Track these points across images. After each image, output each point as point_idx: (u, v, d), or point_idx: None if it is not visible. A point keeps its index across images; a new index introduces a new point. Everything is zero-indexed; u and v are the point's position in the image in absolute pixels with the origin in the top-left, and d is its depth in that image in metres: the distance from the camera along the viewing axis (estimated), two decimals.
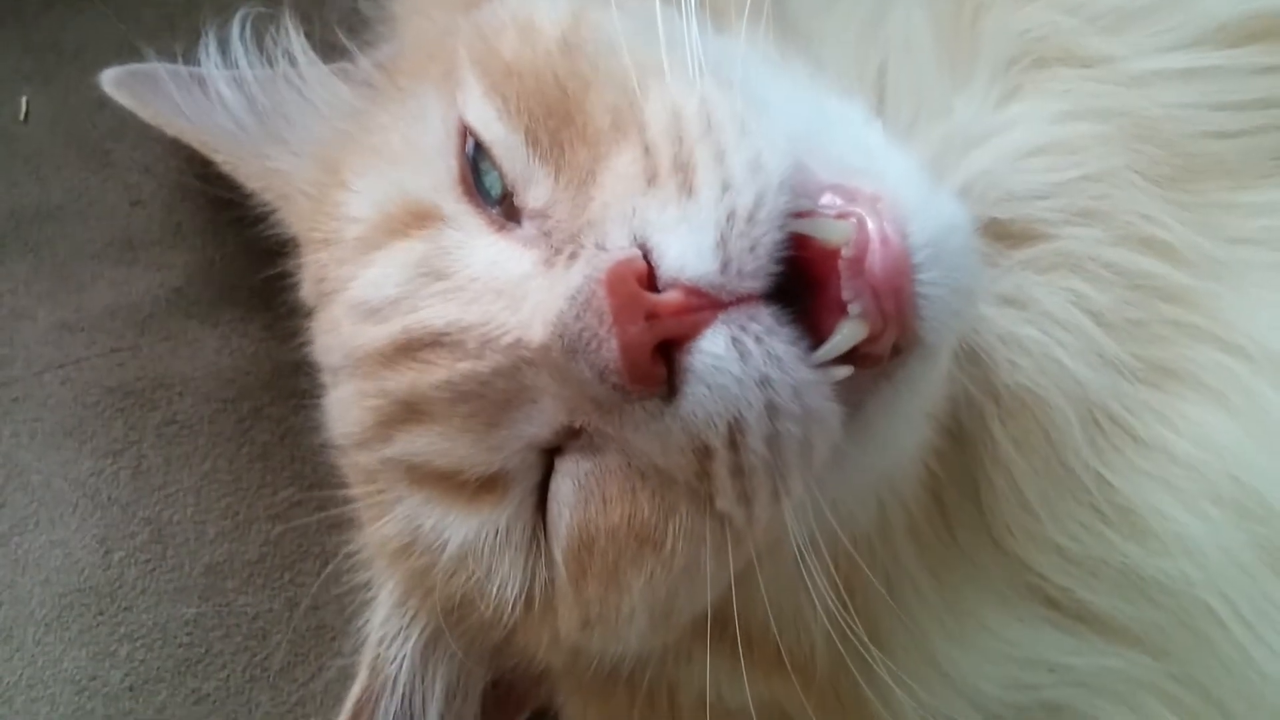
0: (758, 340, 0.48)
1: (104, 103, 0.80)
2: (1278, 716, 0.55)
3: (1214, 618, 0.56)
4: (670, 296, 0.47)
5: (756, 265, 0.48)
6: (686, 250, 0.48)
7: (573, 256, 0.52)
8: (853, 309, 0.49)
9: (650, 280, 0.48)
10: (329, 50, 0.77)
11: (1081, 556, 0.58)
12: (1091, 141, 0.58)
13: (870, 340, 0.49)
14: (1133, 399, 0.57)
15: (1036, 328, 0.58)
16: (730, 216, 0.48)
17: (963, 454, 0.61)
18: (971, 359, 0.58)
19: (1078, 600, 0.59)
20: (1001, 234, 0.59)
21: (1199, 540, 0.55)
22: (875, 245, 0.48)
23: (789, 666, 0.60)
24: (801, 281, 0.50)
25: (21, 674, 0.81)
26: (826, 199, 0.50)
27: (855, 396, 0.51)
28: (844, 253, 0.49)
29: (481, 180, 0.58)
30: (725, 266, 0.48)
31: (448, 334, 0.55)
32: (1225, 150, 0.57)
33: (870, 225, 0.49)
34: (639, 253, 0.48)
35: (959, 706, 0.62)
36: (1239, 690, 0.56)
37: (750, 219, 0.48)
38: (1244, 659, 0.56)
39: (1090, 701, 0.61)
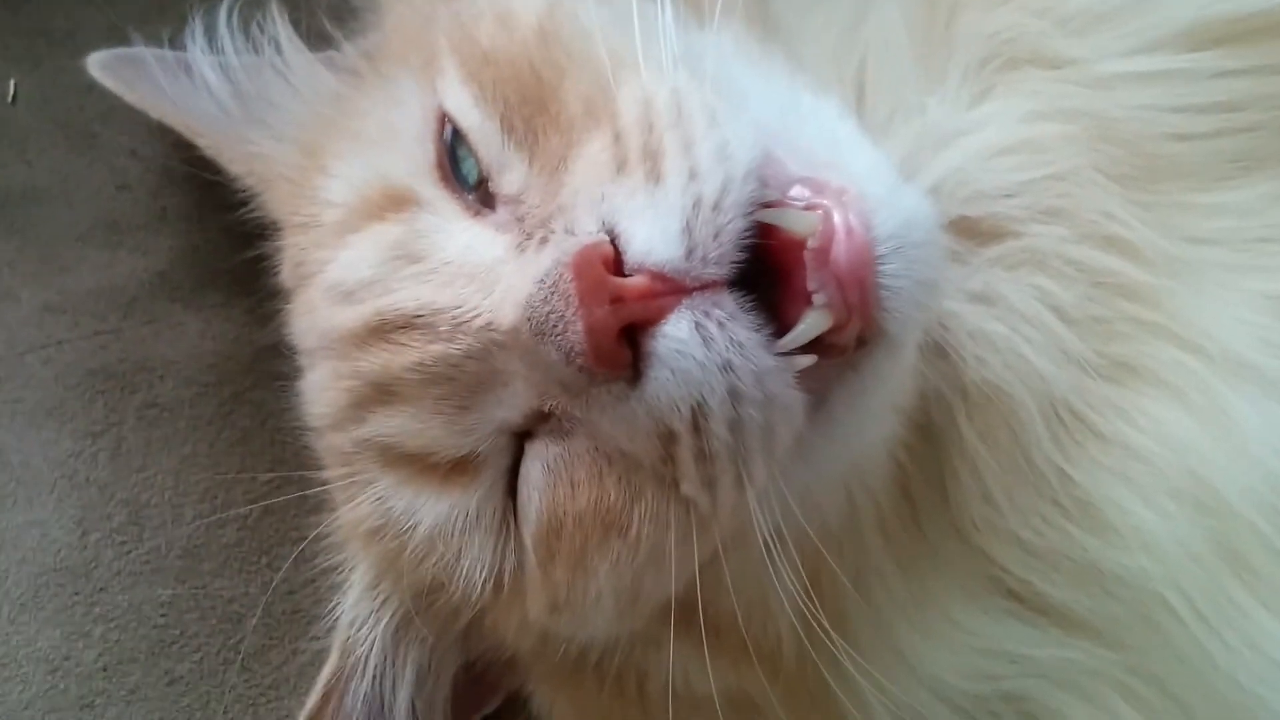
0: (721, 326, 0.48)
1: (91, 86, 0.81)
2: (1230, 709, 0.56)
3: (1170, 612, 0.57)
4: (635, 281, 0.48)
5: (720, 252, 0.49)
6: (652, 236, 0.49)
7: (543, 241, 0.53)
8: (817, 299, 0.49)
9: (617, 265, 0.49)
10: (317, 39, 0.78)
11: (1043, 550, 0.59)
12: (1058, 141, 0.59)
13: (834, 330, 0.50)
14: (1095, 395, 0.58)
15: (1004, 324, 0.58)
16: (696, 204, 0.49)
17: (931, 448, 0.61)
18: (941, 355, 0.59)
19: (1038, 593, 0.60)
20: (971, 231, 0.59)
21: (1157, 535, 0.56)
22: (840, 237, 0.49)
23: (755, 656, 0.61)
24: (770, 271, 0.51)
25: None
26: (795, 190, 0.51)
27: (820, 387, 0.52)
28: (809, 244, 0.49)
29: (459, 166, 0.59)
30: (690, 253, 0.48)
31: (420, 316, 0.56)
32: (1185, 152, 0.57)
33: (836, 217, 0.50)
34: (606, 238, 0.49)
35: (922, 696, 0.63)
36: (1193, 683, 0.57)
37: (715, 206, 0.49)
38: (1199, 652, 0.56)
39: (1050, 692, 0.61)
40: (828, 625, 0.57)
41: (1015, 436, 0.59)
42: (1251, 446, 0.55)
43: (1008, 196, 0.59)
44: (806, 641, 0.58)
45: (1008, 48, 0.60)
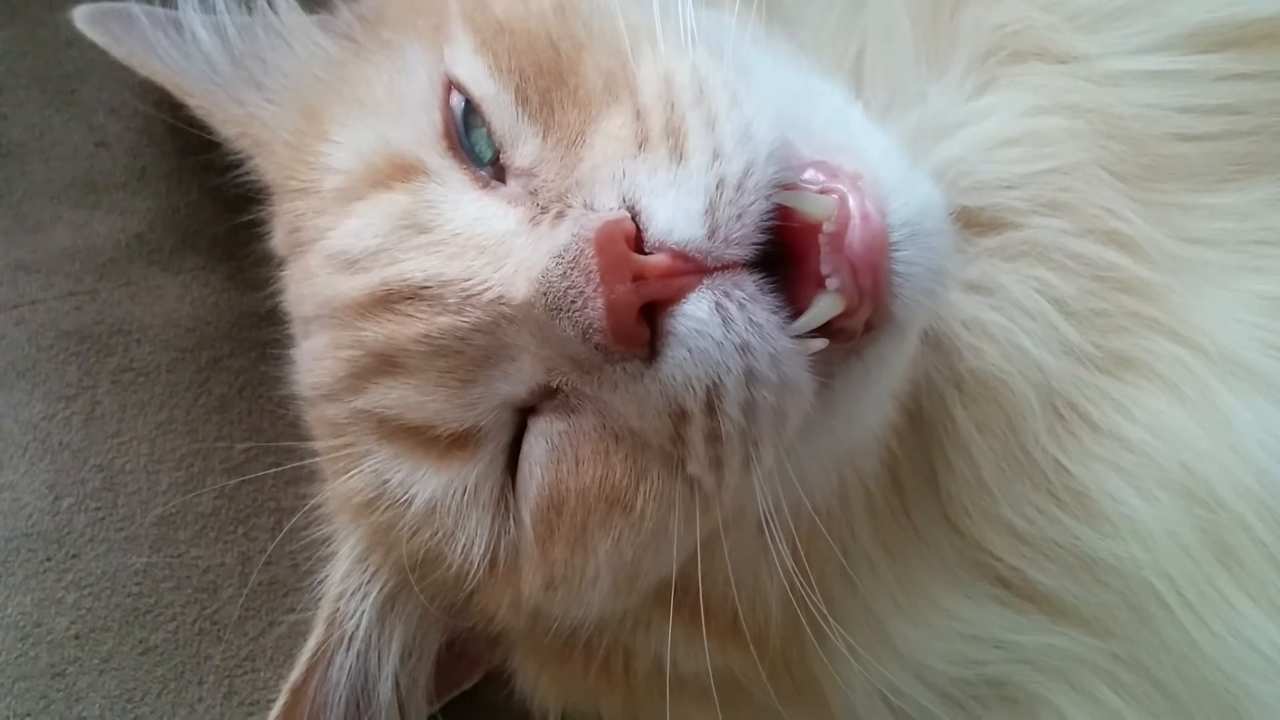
0: (740, 307, 0.49)
1: (72, 40, 0.79)
2: (1215, 696, 0.57)
3: (1158, 600, 0.58)
4: (657, 259, 0.48)
5: (743, 233, 0.49)
6: (675, 214, 0.49)
7: (559, 216, 0.52)
8: (831, 283, 0.50)
9: (637, 243, 0.49)
10: (308, 2, 0.76)
11: (1035, 538, 0.60)
12: (1062, 135, 0.59)
13: (845, 315, 0.50)
14: (1091, 387, 0.59)
15: (1002, 314, 0.59)
16: (720, 184, 0.49)
17: (921, 436, 0.62)
18: (935, 344, 0.60)
19: (1028, 580, 0.61)
20: (970, 221, 0.60)
21: (1148, 524, 0.57)
22: (856, 222, 0.50)
23: (746, 635, 0.61)
24: (780, 253, 0.51)
25: None
26: (809, 174, 0.52)
27: (825, 370, 0.52)
28: (825, 228, 0.50)
29: (471, 139, 0.58)
30: (713, 233, 0.48)
31: (428, 287, 0.55)
32: (1189, 152, 0.58)
33: (852, 202, 0.50)
34: (628, 214, 0.49)
35: (906, 679, 0.63)
36: (1178, 670, 0.58)
37: (739, 187, 0.49)
38: (1185, 640, 0.57)
39: (1033, 678, 0.62)
40: (821, 605, 0.57)
41: (1011, 426, 0.59)
42: (1243, 442, 0.56)
43: (1009, 188, 0.60)
44: (800, 619, 0.59)
45: (1014, 40, 0.61)
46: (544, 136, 0.56)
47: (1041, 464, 0.59)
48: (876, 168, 0.52)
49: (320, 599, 0.70)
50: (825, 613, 0.57)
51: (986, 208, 0.60)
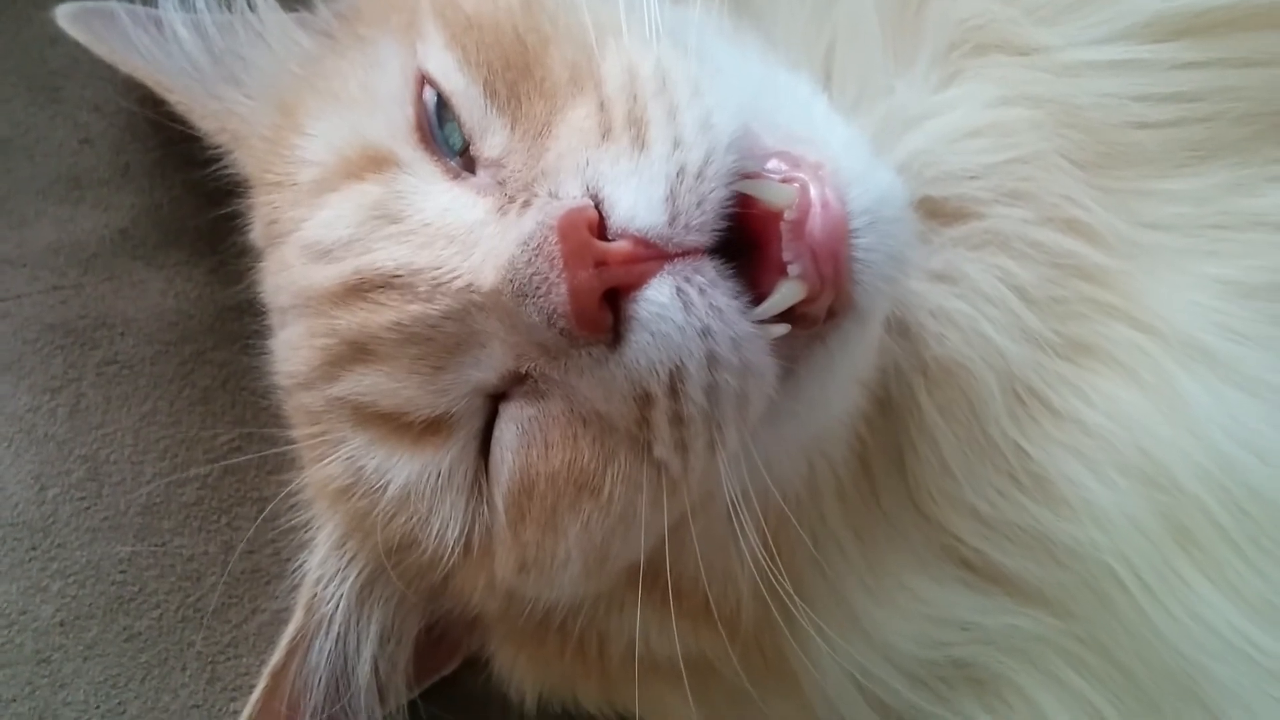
0: (701, 292, 0.50)
1: (56, 39, 0.79)
2: (1173, 677, 0.58)
3: (1117, 582, 0.59)
4: (619, 245, 0.49)
5: (703, 220, 0.50)
6: (637, 202, 0.50)
7: (526, 205, 0.53)
8: (792, 270, 0.51)
9: (600, 230, 0.50)
10: (287, 1, 0.77)
11: (997, 521, 0.61)
12: (1023, 126, 0.60)
13: (807, 301, 0.51)
14: (1051, 372, 0.60)
15: (966, 302, 0.60)
16: (680, 172, 0.50)
17: (890, 422, 0.63)
18: (902, 332, 0.61)
19: (991, 562, 0.62)
20: (935, 211, 0.61)
21: (1106, 508, 0.58)
22: (816, 210, 0.51)
23: (717, 619, 0.62)
24: (744, 241, 0.52)
25: None
26: (772, 164, 0.53)
27: (790, 355, 0.53)
28: (786, 215, 0.51)
29: (443, 131, 0.59)
30: (673, 219, 0.50)
31: (399, 276, 0.56)
32: (1145, 139, 0.59)
33: (812, 191, 0.51)
34: (591, 202, 0.50)
35: (874, 660, 0.64)
36: (1137, 651, 0.59)
37: (699, 175, 0.50)
38: (1143, 621, 0.58)
39: (998, 659, 0.63)
40: (789, 588, 0.58)
41: (974, 412, 0.60)
42: (1200, 426, 0.57)
43: (973, 178, 0.61)
44: (768, 602, 0.60)
45: (976, 33, 0.62)
46: (512, 128, 0.57)
47: (1003, 448, 0.60)
48: (838, 158, 0.53)
49: (300, 584, 0.71)
50: (793, 595, 0.58)
51: (951, 198, 0.61)
